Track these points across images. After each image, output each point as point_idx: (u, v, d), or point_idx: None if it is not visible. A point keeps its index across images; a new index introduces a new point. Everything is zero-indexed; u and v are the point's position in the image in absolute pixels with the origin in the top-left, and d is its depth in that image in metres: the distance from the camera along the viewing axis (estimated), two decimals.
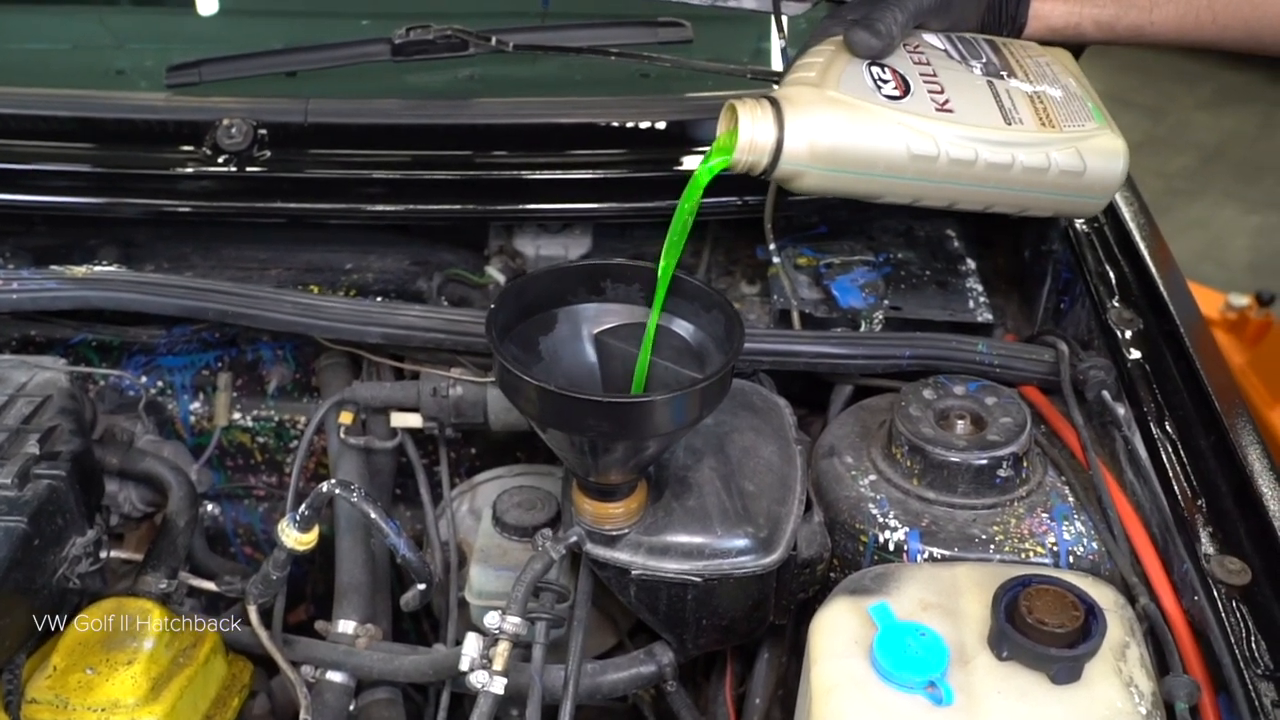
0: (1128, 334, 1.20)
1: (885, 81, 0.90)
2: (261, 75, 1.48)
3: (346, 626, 1.16)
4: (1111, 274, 1.28)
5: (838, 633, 0.90)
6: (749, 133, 0.88)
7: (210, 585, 1.18)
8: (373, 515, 1.06)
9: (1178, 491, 1.03)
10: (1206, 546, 0.98)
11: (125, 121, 1.45)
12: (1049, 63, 0.99)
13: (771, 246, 1.38)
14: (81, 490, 1.05)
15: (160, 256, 1.48)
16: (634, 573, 1.00)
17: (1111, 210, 1.35)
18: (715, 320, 0.97)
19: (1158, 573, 0.99)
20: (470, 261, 1.49)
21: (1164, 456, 1.07)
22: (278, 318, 1.25)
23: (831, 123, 0.88)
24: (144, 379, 1.46)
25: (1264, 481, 1.00)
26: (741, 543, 1.00)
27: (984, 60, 0.96)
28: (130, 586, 1.14)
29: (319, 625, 1.18)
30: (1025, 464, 1.05)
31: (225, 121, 1.41)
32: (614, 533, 1.00)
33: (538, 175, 1.41)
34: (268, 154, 1.40)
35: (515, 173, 1.41)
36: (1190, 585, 0.96)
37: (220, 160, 1.39)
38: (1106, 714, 0.83)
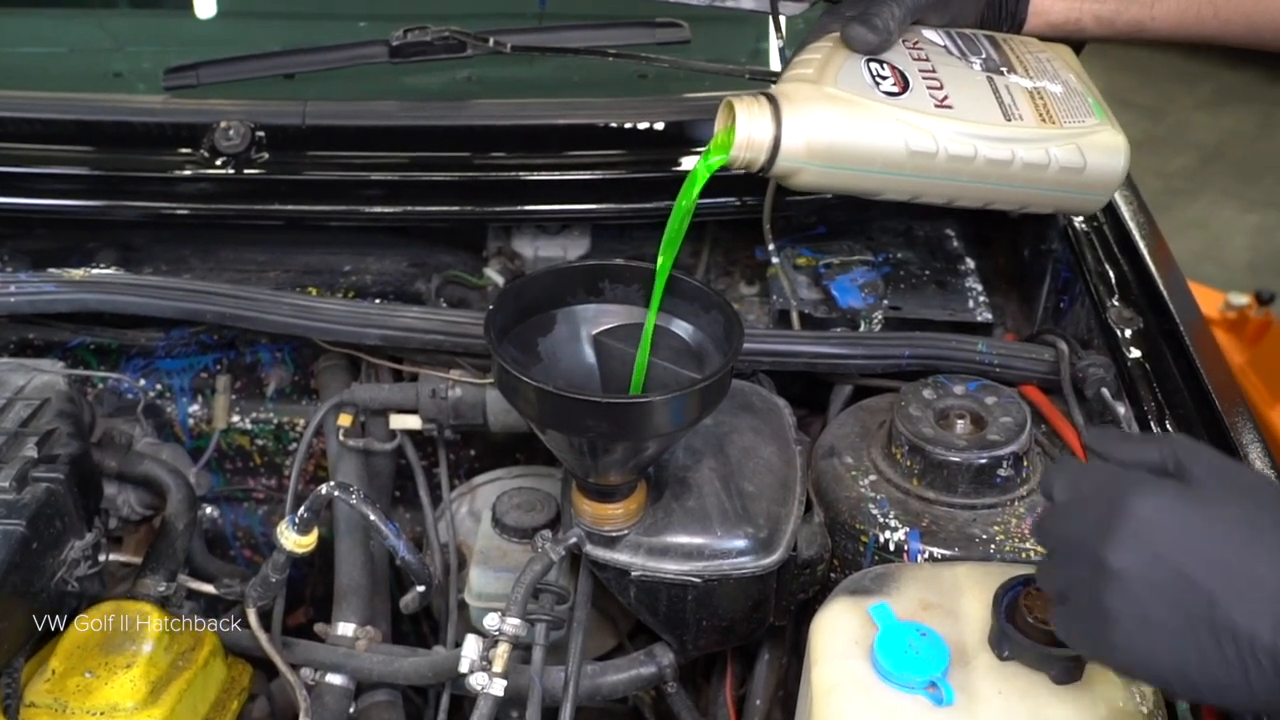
0: (1127, 333, 1.19)
1: (884, 78, 0.89)
2: (259, 77, 1.48)
3: (346, 629, 1.16)
4: (1111, 273, 1.28)
5: (838, 633, 0.89)
6: (746, 129, 0.87)
7: (209, 588, 1.17)
8: (372, 517, 1.06)
9: None
10: None
11: (123, 124, 1.45)
12: (1049, 58, 0.98)
13: (770, 247, 1.37)
14: (80, 493, 1.05)
15: (158, 259, 1.48)
16: (634, 574, 1.00)
17: (1111, 209, 1.34)
18: (714, 320, 0.97)
19: None
20: (469, 263, 1.49)
21: None
22: (276, 320, 1.25)
23: (829, 119, 0.87)
24: (142, 382, 1.46)
25: None
26: (741, 543, 1.00)
27: (983, 56, 0.95)
28: (129, 589, 1.14)
29: (318, 628, 1.17)
30: (1025, 463, 1.05)
31: (223, 124, 1.41)
32: (613, 534, 1.00)
33: (536, 176, 1.41)
34: (266, 156, 1.40)
35: (513, 174, 1.41)
36: None
37: (218, 162, 1.39)
38: (1108, 713, 0.82)
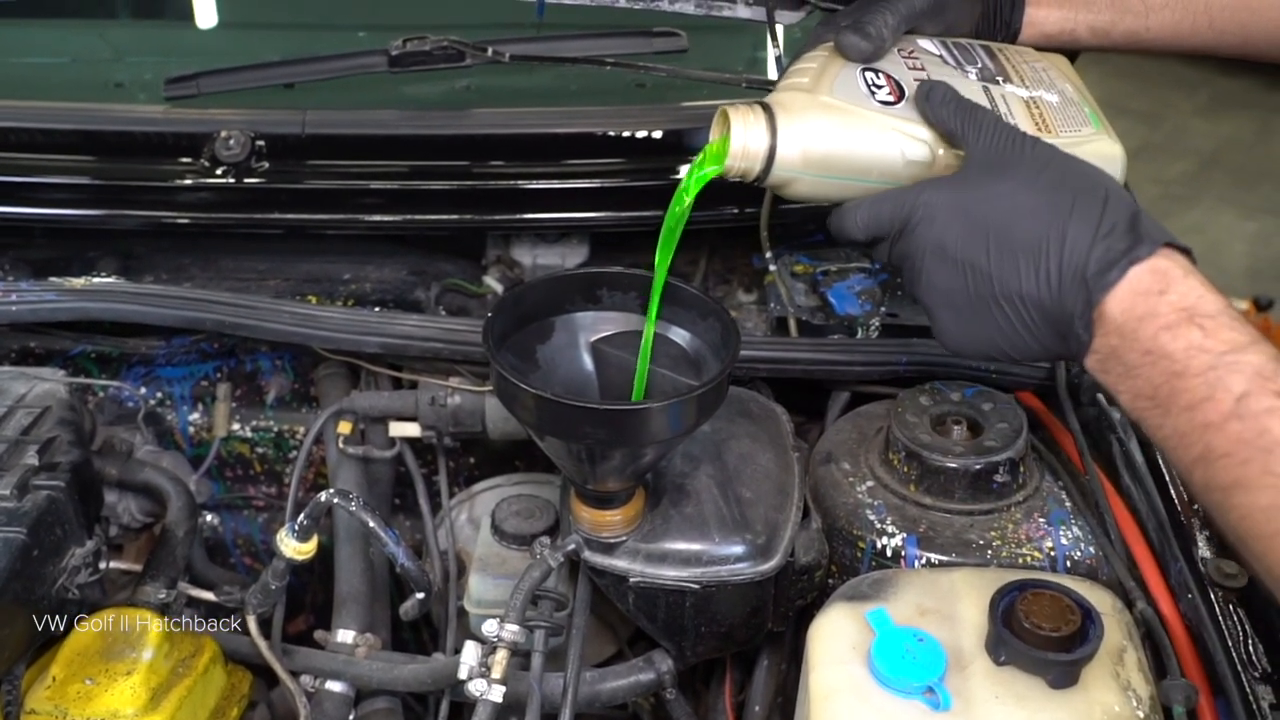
0: None
1: (879, 87, 0.90)
2: (259, 87, 1.49)
3: (345, 636, 1.16)
4: None
5: (836, 638, 0.90)
6: (742, 139, 0.88)
7: (209, 595, 1.18)
8: (371, 524, 1.06)
9: (1174, 495, 1.04)
10: (1203, 550, 0.99)
11: (124, 134, 1.46)
12: (1045, 68, 0.99)
13: (768, 254, 1.38)
14: (80, 501, 1.05)
15: (159, 268, 1.49)
16: (632, 580, 1.00)
17: None
18: (712, 328, 0.97)
19: (1154, 576, 0.99)
20: (468, 271, 1.50)
21: (1160, 460, 1.07)
22: (276, 328, 1.25)
23: (825, 128, 0.88)
24: (143, 390, 1.46)
25: None
26: (739, 549, 1.00)
27: (979, 65, 0.96)
28: (129, 597, 1.15)
29: (318, 635, 1.18)
30: (1022, 469, 1.05)
31: (223, 133, 1.41)
32: (612, 540, 1.00)
33: (535, 185, 1.41)
34: (266, 165, 1.40)
35: (512, 183, 1.42)
36: (1187, 588, 0.96)
37: (219, 172, 1.40)
38: (1103, 717, 0.83)
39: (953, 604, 0.91)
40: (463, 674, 0.97)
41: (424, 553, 1.31)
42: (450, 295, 1.47)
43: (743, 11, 1.23)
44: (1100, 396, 1.15)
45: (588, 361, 1.00)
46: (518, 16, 1.79)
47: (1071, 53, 1.07)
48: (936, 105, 0.87)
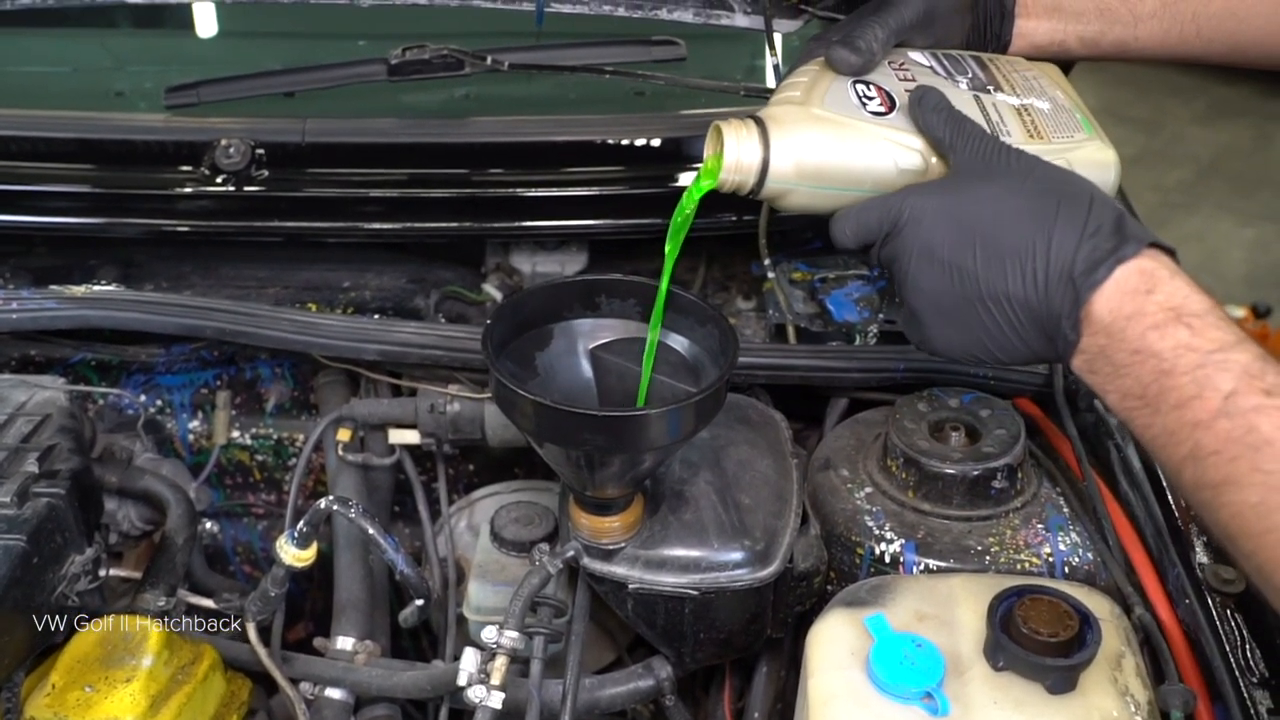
0: None
1: (870, 98, 0.90)
2: (259, 96, 1.50)
3: (345, 643, 1.16)
4: None
5: (834, 644, 0.90)
6: (734, 153, 0.88)
7: (209, 603, 1.18)
8: (371, 531, 1.06)
9: (1172, 501, 1.04)
10: (1201, 555, 0.99)
11: (124, 142, 1.47)
12: (1036, 76, 0.99)
13: (766, 262, 1.38)
14: (80, 508, 1.05)
15: (159, 276, 1.49)
16: (631, 586, 1.00)
17: None
18: (710, 335, 0.98)
19: (1152, 582, 0.99)
20: (467, 279, 1.50)
21: (1158, 466, 1.07)
22: (276, 335, 1.25)
23: (817, 140, 0.88)
24: (143, 397, 1.47)
25: None
26: (738, 556, 1.00)
27: (970, 75, 0.96)
28: (129, 604, 1.15)
29: (317, 642, 1.18)
30: (1020, 475, 1.06)
31: (223, 141, 1.42)
32: (611, 547, 1.00)
33: (534, 193, 1.42)
34: (266, 173, 1.41)
35: (511, 190, 1.42)
36: (1185, 594, 0.96)
37: (219, 180, 1.40)
38: None
39: (951, 610, 0.92)
40: (462, 681, 0.97)
41: (423, 560, 1.31)
42: (449, 303, 1.47)
43: (741, 20, 1.23)
44: (1098, 403, 1.15)
45: (586, 368, 1.00)
46: (517, 25, 1.80)
47: (1065, 63, 1.08)
48: (928, 111, 0.88)
